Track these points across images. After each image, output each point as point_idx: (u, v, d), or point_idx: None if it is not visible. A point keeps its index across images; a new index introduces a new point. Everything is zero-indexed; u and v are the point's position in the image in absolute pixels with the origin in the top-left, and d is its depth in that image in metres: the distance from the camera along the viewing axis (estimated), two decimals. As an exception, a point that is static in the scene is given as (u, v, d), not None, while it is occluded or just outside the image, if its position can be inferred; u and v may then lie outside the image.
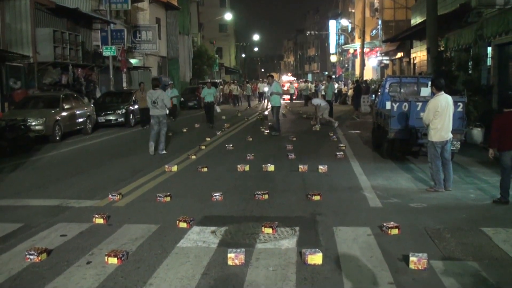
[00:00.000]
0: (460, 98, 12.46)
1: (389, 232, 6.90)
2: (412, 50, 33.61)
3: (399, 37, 34.66)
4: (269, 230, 6.98)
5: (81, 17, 28.11)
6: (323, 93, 34.77)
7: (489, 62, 19.27)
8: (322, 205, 8.61)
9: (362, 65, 45.09)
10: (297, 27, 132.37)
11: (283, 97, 49.55)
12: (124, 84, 30.48)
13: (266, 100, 49.73)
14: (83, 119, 20.73)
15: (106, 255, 5.98)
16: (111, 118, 23.59)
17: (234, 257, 5.82)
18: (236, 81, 58.66)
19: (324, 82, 44.56)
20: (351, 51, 59.94)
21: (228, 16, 71.82)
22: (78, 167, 12.84)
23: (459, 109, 11.82)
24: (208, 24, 68.23)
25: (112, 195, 9.15)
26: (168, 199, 8.97)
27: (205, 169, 11.87)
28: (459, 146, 12.08)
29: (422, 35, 26.07)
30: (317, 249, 5.98)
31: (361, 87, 34.61)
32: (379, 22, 45.56)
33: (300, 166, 11.81)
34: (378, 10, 46.17)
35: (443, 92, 9.58)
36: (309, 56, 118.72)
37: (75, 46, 26.42)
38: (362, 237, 6.81)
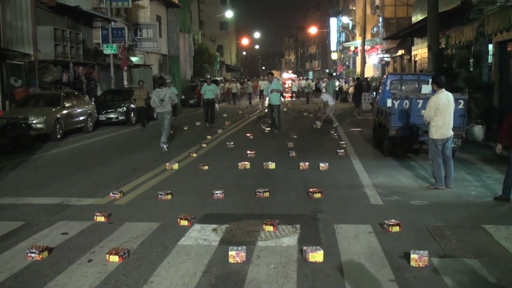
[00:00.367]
0: (461, 95, 12.47)
1: (390, 229, 6.91)
2: (413, 48, 33.56)
3: (400, 35, 34.61)
4: (270, 228, 6.98)
5: (82, 15, 28.09)
6: (324, 90, 34.75)
7: (490, 59, 19.24)
8: (323, 202, 8.61)
9: (363, 62, 45.06)
10: (298, 24, 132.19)
11: (284, 94, 49.92)
12: (125, 82, 30.46)
13: (265, 99, 49.95)
14: (84, 117, 20.74)
15: (107, 253, 5.99)
16: (112, 116, 23.61)
17: (235, 255, 5.83)
18: (235, 79, 58.62)
19: (325, 79, 44.56)
20: (352, 48, 59.88)
21: (229, 14, 71.80)
22: (79, 165, 12.85)
23: (460, 106, 11.82)
24: (209, 22, 68.20)
25: (113, 193, 9.15)
26: (169, 197, 8.97)
27: (206, 167, 11.87)
28: (460, 144, 12.08)
29: (423, 33, 26.05)
30: (318, 247, 5.98)
31: (362, 84, 34.58)
32: (380, 19, 45.50)
33: (301, 164, 11.81)
34: (379, 7, 46.12)
35: (444, 89, 9.57)
36: (310, 54, 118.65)
37: (76, 44, 26.40)
38: (363, 235, 6.81)
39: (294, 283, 5.29)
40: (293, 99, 49.75)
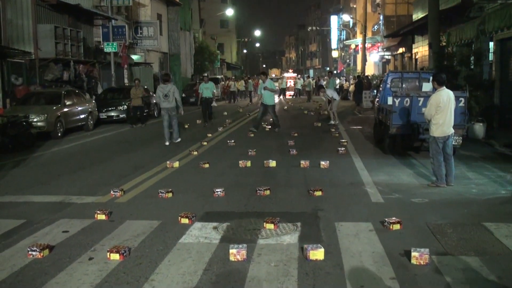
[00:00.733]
0: (462, 93, 12.45)
1: (391, 227, 6.91)
2: (413, 45, 33.54)
3: (400, 32, 34.63)
4: (271, 226, 6.98)
5: (83, 13, 28.11)
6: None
7: (491, 57, 19.23)
8: (324, 200, 8.61)
9: (364, 60, 45.07)
10: (298, 22, 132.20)
11: (286, 93, 49.89)
12: (126, 80, 30.49)
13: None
14: (85, 115, 20.75)
15: (108, 251, 5.99)
16: (112, 114, 23.62)
17: (236, 253, 5.83)
18: (234, 77, 58.57)
19: (325, 77, 44.55)
20: (353, 46, 59.87)
21: (230, 12, 71.82)
22: (80, 163, 12.86)
23: (461, 104, 11.82)
24: (210, 20, 68.22)
25: (114, 191, 9.15)
26: (170, 195, 8.98)
27: (207, 165, 11.87)
28: (461, 141, 12.07)
29: (424, 30, 26.04)
30: (319, 245, 5.98)
31: (363, 82, 34.58)
32: (381, 17, 45.49)
33: (302, 162, 11.80)
34: (379, 5, 46.10)
35: (444, 87, 9.57)
36: (310, 52, 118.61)
37: (77, 42, 26.43)
38: (364, 233, 6.81)
39: (295, 281, 5.29)
40: (294, 97, 49.69)
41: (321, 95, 22.27)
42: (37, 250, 6.05)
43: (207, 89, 21.61)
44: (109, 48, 28.60)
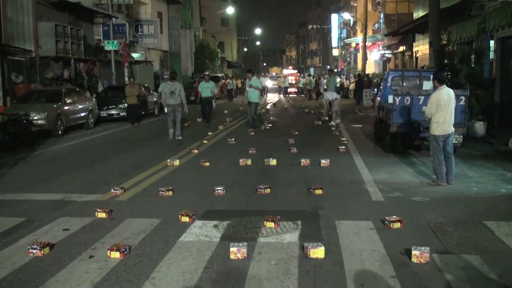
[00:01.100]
0: (463, 91, 12.45)
1: (391, 226, 6.91)
2: (414, 44, 33.53)
3: (401, 31, 34.61)
4: (271, 224, 6.98)
5: (83, 11, 28.11)
6: (325, 87, 34.68)
7: (491, 55, 19.22)
8: (324, 199, 8.61)
9: (364, 59, 45.03)
10: (299, 20, 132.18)
11: (289, 90, 49.84)
12: (126, 79, 30.44)
13: (266, 95, 49.82)
14: (85, 113, 20.74)
15: (108, 249, 6.00)
16: (113, 112, 23.60)
17: (236, 251, 5.83)
18: (234, 75, 58.51)
19: (326, 76, 44.49)
20: (353, 45, 59.82)
21: (230, 10, 71.77)
22: (80, 162, 12.86)
23: (461, 102, 11.81)
24: (210, 18, 68.18)
25: (114, 189, 9.15)
26: (170, 193, 8.98)
27: (207, 163, 11.87)
28: (461, 140, 12.07)
29: (425, 29, 26.03)
30: (319, 243, 5.98)
31: (363, 81, 34.56)
32: (381, 15, 45.45)
33: (302, 160, 11.80)
34: (380, 3, 46.05)
35: (445, 85, 9.57)
36: (311, 50, 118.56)
37: (77, 40, 26.42)
38: (364, 231, 6.81)
39: (295, 279, 5.29)
40: (294, 95, 49.68)
41: (322, 100, 21.91)
42: (38, 248, 6.05)
43: (207, 88, 20.89)
44: (110, 46, 28.59)
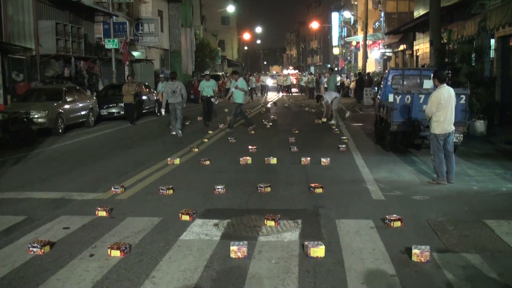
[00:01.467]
0: (463, 90, 12.44)
1: (392, 224, 6.91)
2: (414, 42, 33.49)
3: (401, 29, 34.55)
4: (272, 223, 6.98)
5: (84, 9, 28.12)
6: (325, 85, 34.66)
7: (492, 54, 19.20)
8: (325, 197, 8.61)
9: (365, 57, 44.94)
10: (299, 19, 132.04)
11: (292, 89, 49.78)
12: (127, 77, 30.48)
13: (266, 93, 49.77)
14: (86, 112, 20.73)
15: (109, 248, 6.00)
16: (113, 111, 23.55)
17: (237, 250, 5.83)
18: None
19: (326, 75, 44.46)
20: (354, 43, 59.75)
21: (231, 9, 71.70)
22: (80, 160, 12.86)
23: (462, 101, 11.80)
24: (211, 17, 68.15)
25: (114, 188, 9.16)
26: (170, 192, 8.98)
27: (208, 162, 11.87)
28: (462, 139, 12.07)
29: (425, 27, 25.99)
30: (320, 242, 5.99)
31: (364, 79, 34.54)
32: (382, 14, 45.39)
33: (303, 159, 11.80)
34: (380, 2, 45.98)
35: (445, 84, 9.56)
36: (311, 49, 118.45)
37: (78, 38, 26.44)
38: (364, 230, 6.82)
39: (295, 278, 5.29)
40: (296, 94, 49.67)
41: (322, 103, 21.65)
42: (38, 246, 6.05)
43: (208, 87, 20.55)
44: (110, 44, 28.59)
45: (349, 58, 68.48)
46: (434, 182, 9.59)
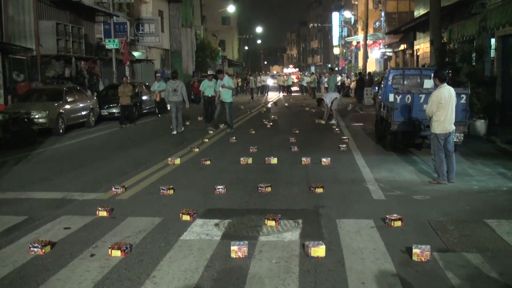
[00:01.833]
0: (464, 90, 12.43)
1: (392, 224, 6.91)
2: (415, 42, 33.51)
3: (402, 29, 34.59)
4: (272, 223, 6.98)
5: (84, 9, 28.14)
6: (325, 85, 34.65)
7: (492, 53, 19.20)
8: (325, 197, 8.61)
9: (365, 57, 44.98)
10: (300, 19, 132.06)
11: (292, 89, 49.78)
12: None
13: (267, 93, 49.75)
14: (86, 112, 20.74)
15: (109, 248, 6.00)
16: (114, 111, 23.52)
17: (237, 250, 5.83)
18: (234, 74, 58.45)
19: (326, 74, 44.47)
20: (354, 43, 59.78)
21: (231, 9, 71.71)
22: (81, 160, 12.87)
23: (462, 101, 11.79)
24: (211, 17, 68.13)
25: (115, 188, 9.16)
26: (171, 192, 8.98)
27: (208, 162, 11.87)
28: (462, 138, 12.07)
29: (425, 27, 26.00)
30: (320, 242, 5.99)
31: (364, 79, 34.54)
32: (382, 14, 45.42)
33: (303, 159, 11.80)
34: (381, 1, 46.02)
35: (446, 84, 9.56)
36: (312, 49, 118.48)
37: (78, 39, 26.45)
38: (365, 230, 6.82)
39: (296, 278, 5.29)
40: (297, 94, 49.68)
41: (323, 106, 21.53)
42: (39, 246, 6.06)
43: (210, 88, 20.13)
44: (111, 45, 28.61)
45: (349, 58, 68.50)
46: (434, 182, 9.59)
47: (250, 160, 11.91)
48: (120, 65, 30.17)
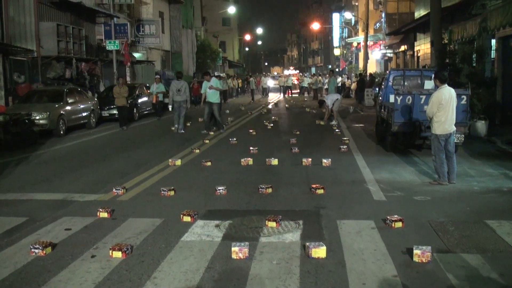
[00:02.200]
0: (464, 91, 12.44)
1: (393, 225, 6.91)
2: (415, 43, 33.50)
3: (402, 30, 34.59)
4: (273, 224, 6.99)
5: (85, 11, 28.15)
6: (326, 86, 34.64)
7: (493, 54, 19.20)
8: (326, 198, 8.61)
9: (366, 58, 44.94)
10: (300, 20, 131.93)
11: (291, 90, 49.71)
12: (128, 78, 30.48)
13: (267, 95, 49.74)
14: (87, 113, 20.73)
15: (110, 249, 6.01)
16: (115, 112, 23.44)
17: (238, 251, 5.84)
18: (234, 75, 58.42)
19: (326, 76, 44.47)
20: (355, 44, 59.74)
21: (232, 10, 71.70)
22: (82, 161, 12.87)
23: (463, 102, 11.80)
24: (212, 18, 68.14)
25: (116, 189, 9.17)
26: (172, 193, 8.98)
27: (209, 163, 11.88)
28: (463, 139, 12.06)
29: (426, 28, 26.00)
30: (321, 243, 5.99)
31: (365, 80, 34.54)
32: (383, 15, 45.39)
33: (304, 160, 11.80)
34: (381, 2, 45.99)
35: (446, 85, 9.56)
36: (312, 50, 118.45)
37: (79, 40, 26.46)
38: (365, 230, 6.82)
39: (297, 279, 5.29)
40: (296, 95, 49.69)
41: (324, 107, 21.49)
42: (40, 247, 6.06)
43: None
44: (111, 46, 28.60)
45: (350, 59, 68.50)
46: (435, 183, 9.59)
47: (250, 161, 11.92)
48: (120, 66, 30.18)
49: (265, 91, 49.93)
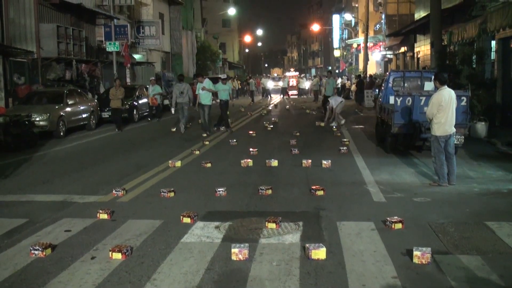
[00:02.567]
0: (464, 92, 12.44)
1: (393, 226, 6.91)
2: (415, 44, 33.52)
3: (402, 32, 34.60)
4: (273, 225, 6.99)
5: (85, 12, 28.17)
6: (323, 87, 34.56)
7: (493, 56, 19.21)
8: (326, 199, 8.61)
9: (366, 59, 45.00)
10: (300, 21, 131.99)
11: (288, 92, 49.77)
12: (128, 80, 30.51)
13: (270, 96, 49.75)
14: (87, 114, 20.74)
15: (110, 250, 6.01)
16: (115, 113, 23.48)
17: (238, 252, 5.84)
18: (234, 76, 58.44)
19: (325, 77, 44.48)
20: (355, 45, 59.79)
21: (232, 11, 71.75)
22: (82, 163, 12.87)
23: (463, 103, 11.80)
24: (212, 19, 68.19)
25: (116, 191, 9.17)
26: (172, 194, 8.98)
27: (209, 165, 11.88)
28: (463, 141, 12.05)
29: (426, 29, 26.00)
30: (321, 244, 5.99)
31: (364, 81, 34.54)
32: (383, 16, 45.42)
33: (304, 161, 11.80)
34: (381, 4, 46.02)
35: (446, 86, 9.56)
36: (312, 51, 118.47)
37: (79, 41, 26.46)
38: (365, 232, 6.82)
39: (296, 280, 5.29)
40: (295, 97, 49.69)
41: (327, 106, 21.44)
42: (40, 249, 6.06)
43: (225, 91, 19.54)
44: (111, 47, 28.61)
45: (350, 60, 68.54)
46: (435, 184, 9.59)
47: (250, 163, 11.91)
48: (120, 67, 30.18)
49: (266, 93, 49.93)
